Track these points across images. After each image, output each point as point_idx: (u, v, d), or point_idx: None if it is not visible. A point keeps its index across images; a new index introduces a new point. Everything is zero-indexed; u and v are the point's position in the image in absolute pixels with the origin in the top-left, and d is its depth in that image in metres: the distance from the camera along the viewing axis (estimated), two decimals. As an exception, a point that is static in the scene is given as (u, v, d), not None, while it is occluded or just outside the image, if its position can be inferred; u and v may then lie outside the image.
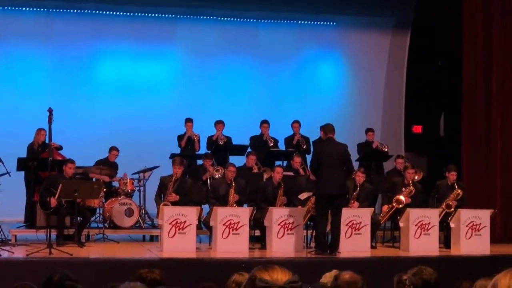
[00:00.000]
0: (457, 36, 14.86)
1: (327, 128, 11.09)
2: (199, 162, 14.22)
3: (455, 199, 12.29)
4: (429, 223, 11.72)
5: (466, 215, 11.90)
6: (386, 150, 14.63)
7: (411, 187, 12.27)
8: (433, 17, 16.96)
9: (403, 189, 12.31)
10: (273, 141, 14.51)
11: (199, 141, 14.34)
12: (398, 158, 14.15)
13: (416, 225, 11.68)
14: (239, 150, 14.25)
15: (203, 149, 14.37)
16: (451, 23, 15.87)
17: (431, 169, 16.80)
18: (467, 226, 11.84)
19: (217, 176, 12.89)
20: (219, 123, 14.44)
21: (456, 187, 12.34)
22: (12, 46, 15.59)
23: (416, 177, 12.76)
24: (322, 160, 10.90)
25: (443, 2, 16.32)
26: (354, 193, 12.20)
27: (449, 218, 12.04)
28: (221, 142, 14.25)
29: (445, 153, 16.91)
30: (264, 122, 14.64)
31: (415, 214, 11.73)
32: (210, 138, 14.41)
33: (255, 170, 13.57)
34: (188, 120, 14.39)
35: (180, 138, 14.34)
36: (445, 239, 12.25)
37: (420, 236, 11.69)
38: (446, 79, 17.16)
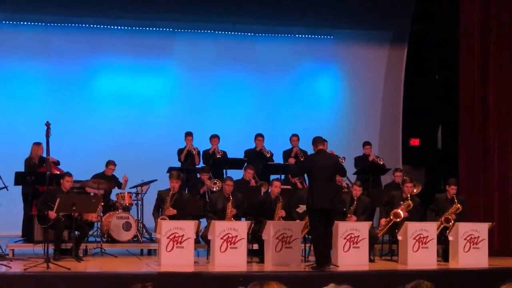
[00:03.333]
0: (454, 49, 14.91)
1: (316, 141, 11.08)
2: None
3: (454, 213, 12.28)
4: (427, 236, 11.71)
5: (464, 228, 11.88)
6: (381, 163, 14.63)
7: (409, 201, 12.26)
8: (430, 30, 17.02)
9: (401, 202, 12.31)
10: (269, 152, 14.52)
11: (198, 154, 14.34)
12: (396, 172, 14.15)
13: (414, 238, 11.67)
14: (237, 163, 14.25)
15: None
16: (448, 36, 15.93)
17: (428, 182, 16.81)
18: (465, 239, 11.83)
19: (214, 189, 12.89)
20: (214, 137, 14.46)
21: (456, 201, 12.34)
22: (10, 60, 15.62)
23: (414, 191, 12.76)
24: (313, 172, 10.86)
25: (440, 15, 16.40)
26: (352, 207, 12.20)
27: (447, 231, 12.04)
28: (218, 156, 14.25)
29: (442, 166, 16.95)
30: (259, 136, 14.65)
31: (413, 228, 11.72)
32: (206, 152, 14.41)
33: (253, 183, 13.57)
34: (188, 134, 14.40)
35: (180, 152, 14.35)
36: (443, 252, 12.24)
37: (418, 250, 11.68)
38: (443, 92, 17.19)
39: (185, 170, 13.61)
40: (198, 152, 14.36)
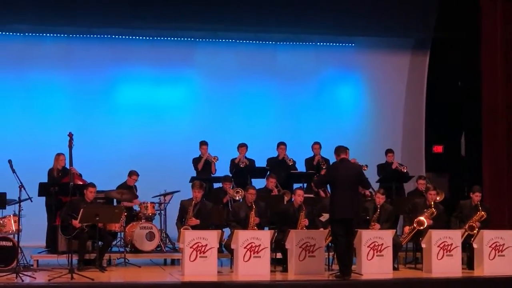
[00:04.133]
0: (476, 55, 14.83)
1: (339, 150, 11.04)
2: (215, 185, 14.21)
3: (478, 221, 12.20)
4: (451, 244, 11.62)
5: (489, 236, 11.79)
6: (405, 171, 14.55)
7: (433, 209, 12.19)
8: (453, 37, 16.92)
9: (425, 210, 12.24)
10: (291, 160, 14.49)
11: (214, 164, 14.32)
12: (419, 179, 14.08)
13: (438, 246, 11.59)
14: (259, 172, 14.21)
15: (221, 172, 14.35)
16: (471, 42, 15.85)
17: (452, 189, 16.71)
18: (490, 246, 11.74)
19: (237, 197, 12.88)
20: (242, 146, 14.45)
21: (480, 209, 12.26)
22: (32, 71, 15.74)
23: (437, 198, 12.68)
24: (336, 181, 10.83)
25: (463, 22, 16.31)
26: (375, 215, 12.14)
27: (472, 239, 11.95)
28: (242, 165, 14.24)
29: (466, 173, 16.83)
30: (281, 144, 14.63)
31: (437, 235, 11.64)
32: (233, 161, 14.42)
33: (275, 192, 13.54)
34: (203, 143, 14.39)
35: (196, 161, 14.32)
36: (468, 260, 12.16)
37: (443, 257, 11.58)
38: (466, 99, 17.09)
39: (207, 180, 13.60)
40: (217, 161, 14.33)
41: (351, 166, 11.27)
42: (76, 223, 11.37)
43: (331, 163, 14.09)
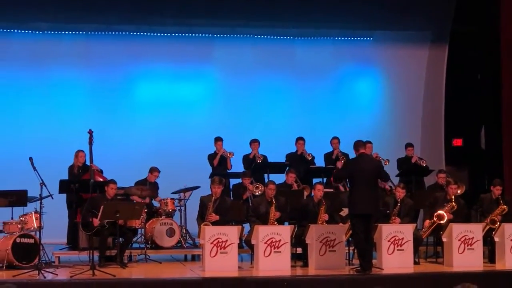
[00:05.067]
0: (495, 48, 14.75)
1: (358, 144, 10.98)
2: (232, 181, 14.21)
3: (500, 215, 12.14)
4: (472, 237, 11.57)
5: (510, 229, 11.72)
6: (424, 165, 14.49)
7: (453, 203, 12.14)
8: (471, 29, 16.85)
9: (445, 204, 12.20)
10: (310, 155, 14.47)
11: (230, 159, 14.34)
12: (439, 173, 14.03)
13: (459, 240, 11.54)
14: (278, 167, 14.20)
15: (236, 168, 14.36)
16: (489, 35, 15.77)
17: (472, 183, 16.65)
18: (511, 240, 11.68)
19: (257, 193, 12.88)
20: (254, 142, 14.45)
21: (502, 202, 12.20)
22: (51, 69, 15.82)
23: (458, 192, 12.63)
24: (355, 176, 10.80)
25: (481, 14, 16.22)
26: (395, 209, 12.11)
27: (493, 232, 11.89)
28: (259, 160, 14.24)
29: (486, 166, 16.76)
30: (300, 139, 14.61)
31: (458, 229, 11.59)
32: (246, 157, 14.41)
33: (295, 187, 13.54)
34: (218, 139, 14.39)
35: (211, 157, 14.33)
36: (490, 254, 12.09)
37: (464, 251, 11.54)
38: (485, 91, 17.01)
39: (227, 176, 13.61)
40: (232, 156, 14.34)
41: (370, 160, 11.23)
42: (96, 221, 11.42)
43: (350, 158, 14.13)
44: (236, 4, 15.96)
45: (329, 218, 11.92)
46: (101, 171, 13.01)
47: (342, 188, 13.78)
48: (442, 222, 12.04)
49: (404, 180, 13.71)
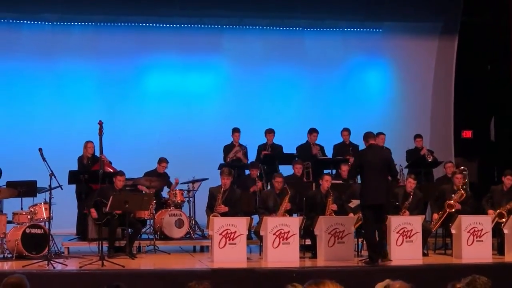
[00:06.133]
0: (505, 39, 14.68)
1: (367, 136, 10.99)
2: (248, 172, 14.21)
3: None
4: (481, 229, 11.55)
5: (520, 221, 11.71)
6: (430, 160, 14.43)
7: (462, 191, 12.14)
8: (481, 21, 16.77)
9: (453, 195, 12.19)
10: (317, 147, 14.42)
11: (245, 154, 14.31)
12: (447, 163, 14.04)
13: (468, 231, 11.52)
14: (288, 159, 14.17)
15: (250, 158, 14.38)
16: (499, 27, 15.69)
17: (481, 175, 16.59)
18: (521, 232, 11.66)
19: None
20: (270, 132, 14.42)
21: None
22: (61, 60, 15.80)
23: (465, 180, 12.63)
24: (365, 167, 10.78)
25: (491, 5, 16.14)
26: (407, 203, 12.05)
27: (503, 224, 11.86)
28: (268, 151, 14.22)
29: (496, 158, 16.70)
30: (313, 131, 14.56)
31: (467, 221, 11.57)
32: (260, 147, 14.41)
33: (304, 178, 13.52)
34: (236, 130, 14.37)
35: (227, 149, 14.30)
36: (499, 245, 12.06)
37: (473, 243, 11.52)
38: (495, 83, 16.94)
39: (235, 167, 13.61)
40: (245, 153, 14.31)
41: (380, 151, 11.23)
42: (93, 212, 11.71)
43: (360, 149, 14.11)
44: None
45: (338, 209, 11.91)
46: (110, 163, 13.03)
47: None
48: (453, 210, 12.03)
49: (413, 171, 13.68)
